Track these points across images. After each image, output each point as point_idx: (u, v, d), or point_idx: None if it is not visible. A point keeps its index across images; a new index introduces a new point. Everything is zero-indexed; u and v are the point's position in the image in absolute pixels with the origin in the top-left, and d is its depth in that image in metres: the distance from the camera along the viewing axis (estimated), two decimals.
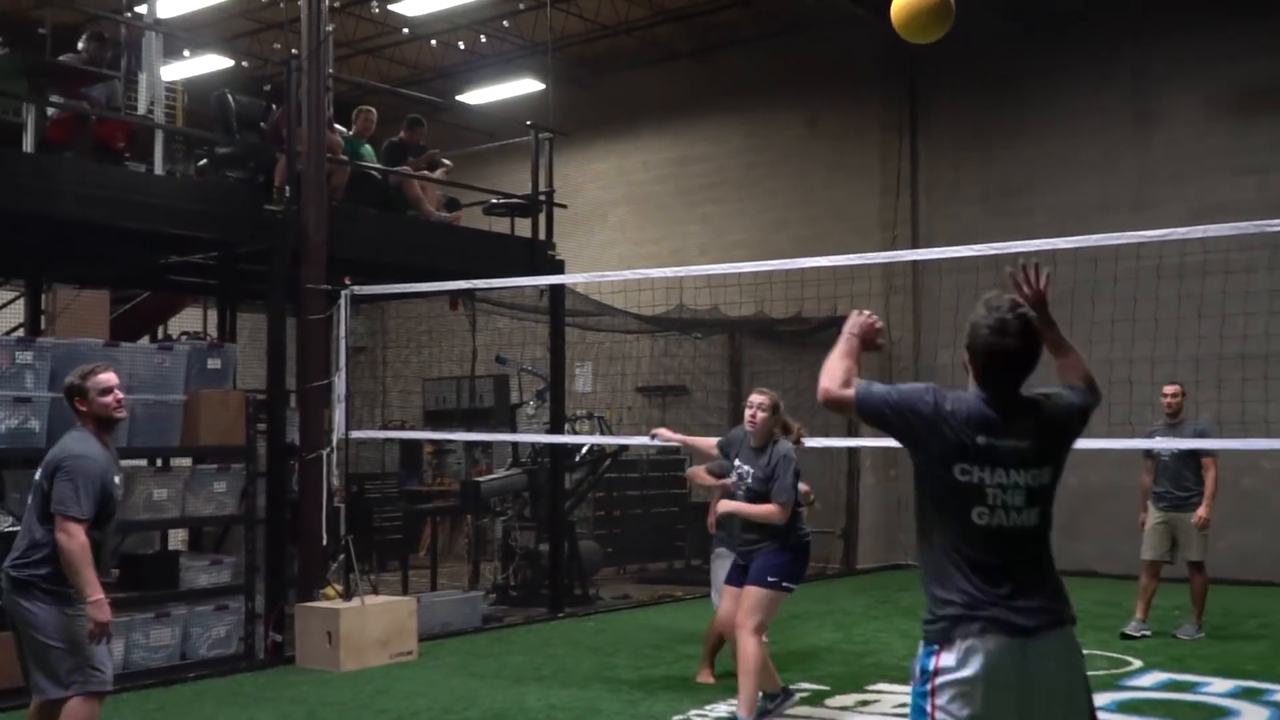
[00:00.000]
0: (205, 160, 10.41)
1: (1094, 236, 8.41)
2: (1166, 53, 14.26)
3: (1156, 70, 14.34)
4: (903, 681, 8.00)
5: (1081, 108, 14.73)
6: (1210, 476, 9.51)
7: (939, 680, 3.15)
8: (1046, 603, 3.23)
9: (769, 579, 6.56)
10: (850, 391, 3.40)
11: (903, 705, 7.29)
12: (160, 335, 11.78)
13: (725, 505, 6.89)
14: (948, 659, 3.16)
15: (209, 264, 10.65)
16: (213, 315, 12.79)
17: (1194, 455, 9.51)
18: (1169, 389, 9.75)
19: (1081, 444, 9.01)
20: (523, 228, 12.14)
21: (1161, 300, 11.17)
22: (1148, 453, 9.86)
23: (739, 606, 6.65)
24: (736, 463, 6.82)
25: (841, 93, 16.42)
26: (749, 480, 6.69)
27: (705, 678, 8.09)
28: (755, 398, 6.79)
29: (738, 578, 6.80)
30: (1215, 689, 7.67)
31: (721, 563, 7.77)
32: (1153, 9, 14.22)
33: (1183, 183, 13.82)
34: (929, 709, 3.15)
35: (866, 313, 3.73)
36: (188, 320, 13.34)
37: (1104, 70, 14.64)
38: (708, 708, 7.41)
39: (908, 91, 15.96)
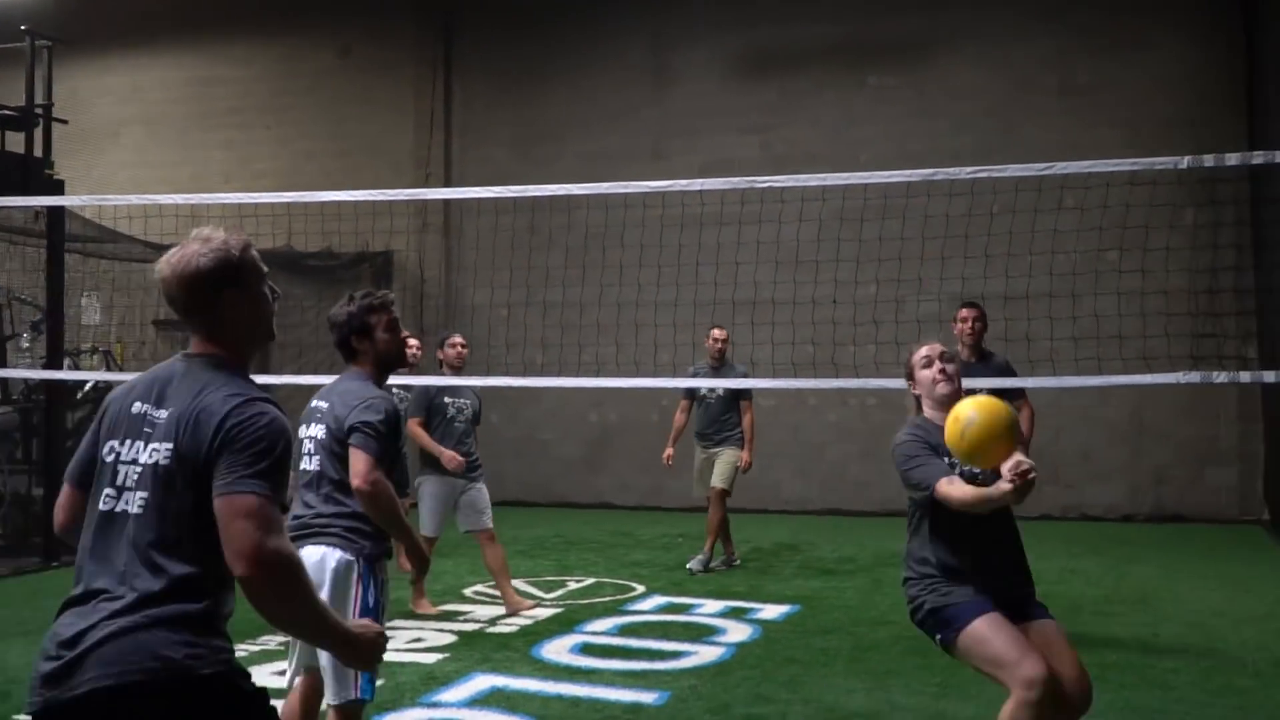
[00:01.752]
0: None
1: (614, 184, 8.76)
2: (682, 14, 15.02)
3: (673, 30, 15.08)
4: (419, 617, 8.05)
5: (607, 60, 15.26)
6: (748, 419, 9.91)
7: None
8: None
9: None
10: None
11: (417, 640, 7.34)
12: None
13: None
14: None
15: None
16: None
17: (735, 397, 9.86)
18: (716, 333, 9.97)
19: (601, 382, 9.40)
20: (16, 143, 11.04)
21: (676, 247, 11.81)
22: (689, 392, 10.14)
23: None
24: None
25: (375, 25, 16.11)
26: None
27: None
28: None
29: None
30: (708, 609, 8.27)
31: (430, 490, 8.05)
32: None
33: (696, 137, 14.65)
34: None
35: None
36: None
37: (627, 25, 15.24)
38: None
39: (443, 29, 15.91)
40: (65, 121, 11.78)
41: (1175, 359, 10.21)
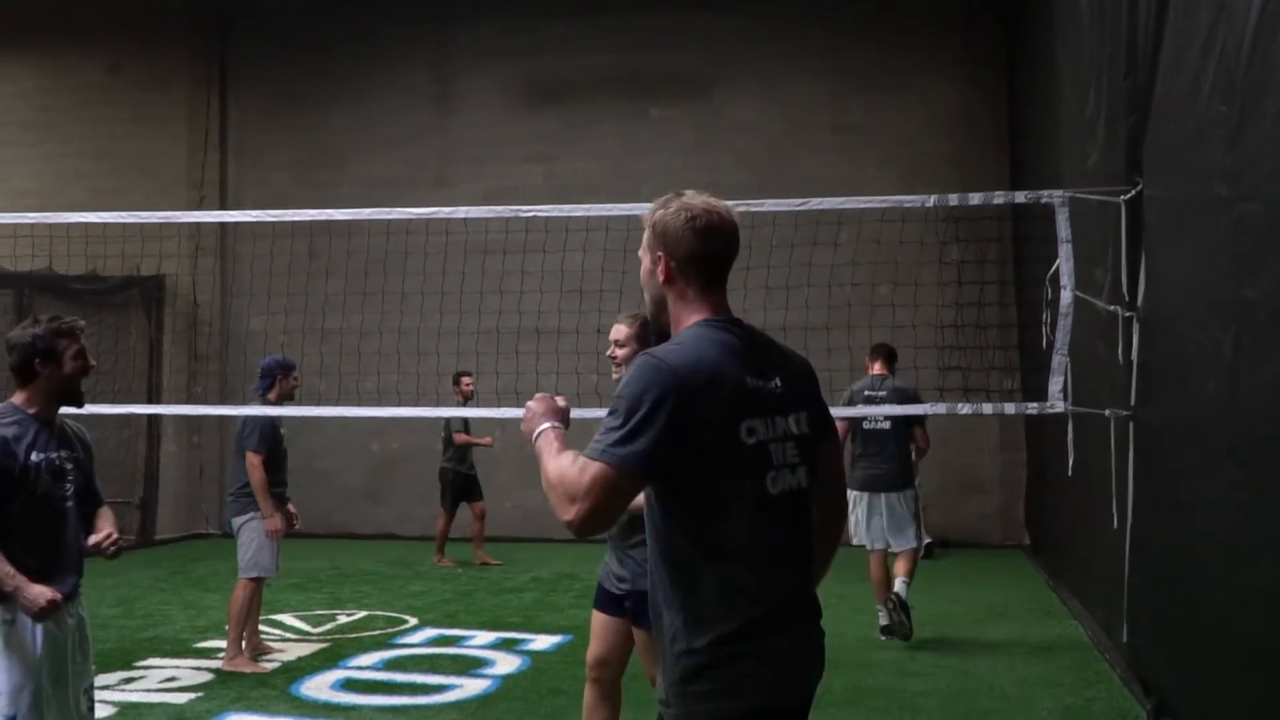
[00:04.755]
0: None
1: (394, 210, 8.65)
2: (468, 41, 14.96)
3: (458, 57, 15.01)
4: (177, 655, 7.74)
5: (388, 85, 15.08)
6: None
7: None
8: None
9: None
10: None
11: (171, 679, 7.03)
12: None
13: None
14: None
15: None
16: None
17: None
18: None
19: (382, 411, 9.13)
20: None
21: (460, 274, 11.70)
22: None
23: None
24: None
25: (147, 40, 15.52)
26: None
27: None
28: None
29: None
30: (479, 641, 8.16)
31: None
32: None
33: (479, 165, 14.58)
34: None
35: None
36: None
37: (409, 51, 15.09)
38: None
39: (218, 49, 15.45)
40: None
41: (945, 391, 10.59)
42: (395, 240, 12.60)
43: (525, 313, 12.57)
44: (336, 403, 12.68)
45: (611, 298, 12.25)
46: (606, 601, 4.88)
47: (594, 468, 2.43)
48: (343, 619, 9.15)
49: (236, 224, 14.54)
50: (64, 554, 4.07)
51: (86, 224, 10.13)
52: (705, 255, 2.63)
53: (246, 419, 7.63)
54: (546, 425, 2.67)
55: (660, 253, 2.64)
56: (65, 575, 4.05)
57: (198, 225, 14.51)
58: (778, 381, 2.61)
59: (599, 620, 4.91)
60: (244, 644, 7.49)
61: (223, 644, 7.69)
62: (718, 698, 2.46)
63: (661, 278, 2.64)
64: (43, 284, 14.37)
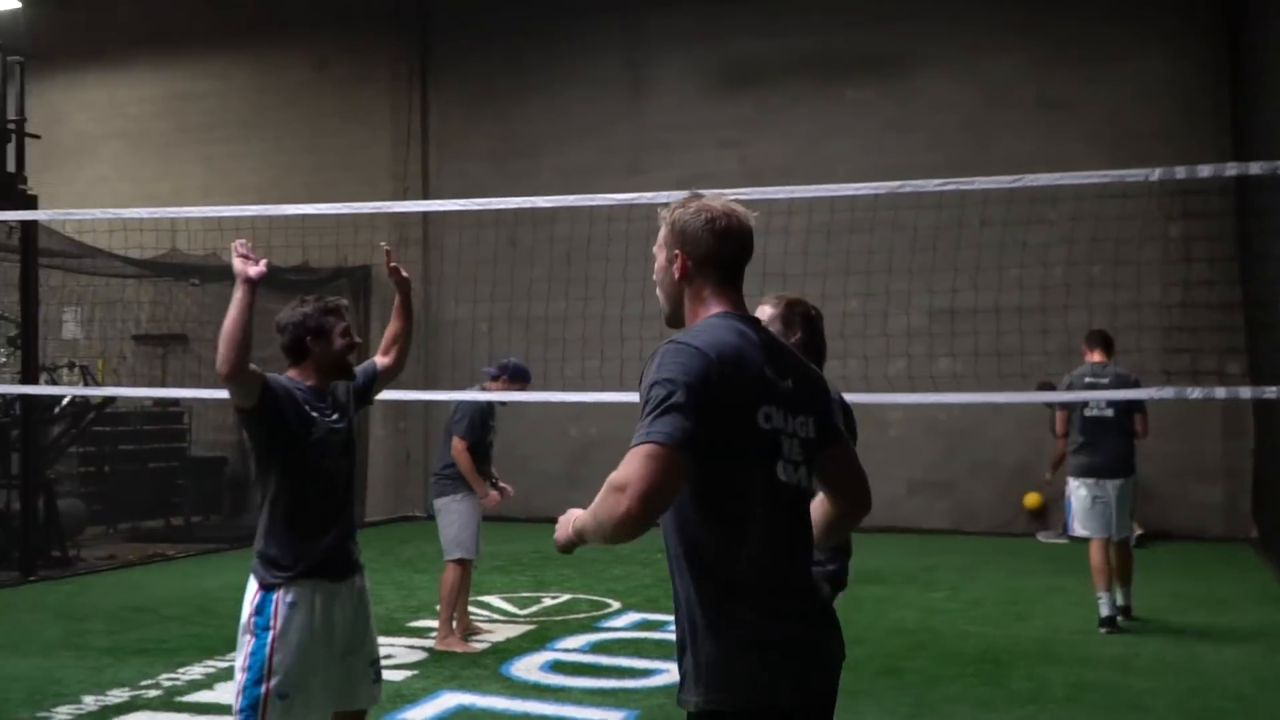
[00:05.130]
0: None
1: (589, 196, 8.69)
2: (659, 27, 14.96)
3: (650, 43, 15.02)
4: (391, 634, 7.95)
5: (582, 74, 15.20)
6: None
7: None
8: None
9: None
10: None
11: (387, 657, 7.22)
12: None
13: None
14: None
15: None
16: None
17: None
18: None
19: (582, 396, 9.16)
20: None
21: (645, 261, 11.68)
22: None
23: None
24: None
25: (352, 38, 16.03)
26: None
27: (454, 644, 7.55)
28: None
29: None
30: None
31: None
32: None
33: (672, 151, 14.57)
34: None
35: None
36: None
37: (602, 39, 15.18)
38: (180, 670, 7.01)
39: (419, 43, 15.83)
40: (38, 137, 11.66)
41: (1172, 375, 10.14)
42: (591, 227, 12.76)
43: None
44: (537, 389, 12.90)
45: (803, 281, 12.14)
46: None
47: (639, 450, 2.41)
48: (548, 601, 9.28)
49: (438, 214, 14.93)
50: (341, 523, 4.17)
51: (299, 217, 10.56)
52: (722, 256, 2.68)
53: (459, 405, 7.82)
54: (574, 514, 2.63)
55: (677, 251, 2.69)
56: (347, 543, 4.16)
57: (401, 217, 14.92)
58: (790, 381, 2.65)
59: None
60: (454, 624, 7.66)
61: (434, 624, 7.88)
62: (724, 665, 2.50)
63: (677, 275, 2.69)
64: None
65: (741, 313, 2.68)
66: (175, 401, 15.20)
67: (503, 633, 8.02)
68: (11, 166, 10.92)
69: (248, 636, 3.99)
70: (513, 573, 10.68)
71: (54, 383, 12.21)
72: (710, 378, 2.48)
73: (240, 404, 4.01)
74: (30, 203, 10.91)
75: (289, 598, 3.99)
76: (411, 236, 15.57)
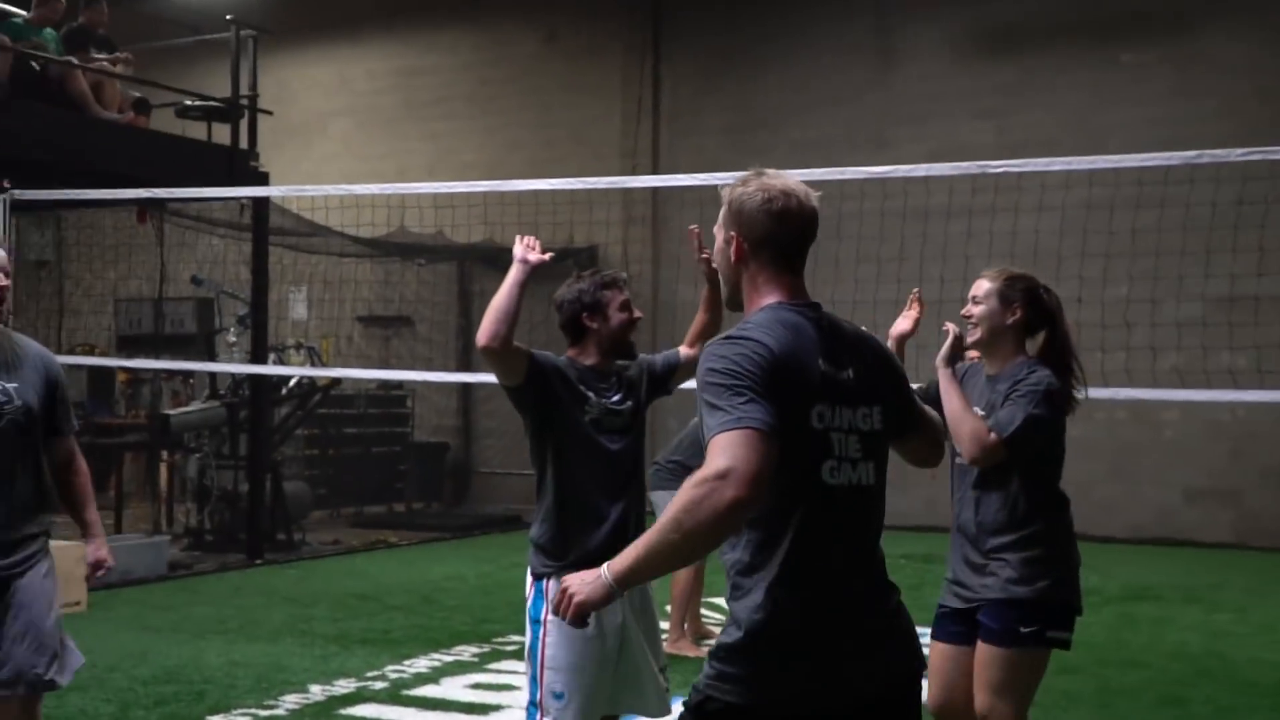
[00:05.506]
0: None
1: (833, 169, 8.46)
2: None
3: (901, 6, 14.64)
4: None
5: (827, 41, 14.92)
6: None
7: None
8: None
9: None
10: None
11: None
12: None
13: None
14: None
15: None
16: None
17: None
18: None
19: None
20: (222, 135, 11.43)
21: (899, 241, 11.40)
22: None
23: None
24: None
25: (582, 8, 16.16)
26: None
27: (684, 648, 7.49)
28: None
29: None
30: None
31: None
32: None
33: (922, 123, 14.17)
34: None
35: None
36: None
37: (847, 3, 14.85)
38: (406, 663, 7.15)
39: (651, 13, 15.85)
40: (270, 113, 12.13)
41: None
42: (832, 205, 12.47)
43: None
44: None
45: (1072, 263, 11.61)
46: (947, 623, 4.08)
47: (731, 435, 2.35)
48: None
49: (668, 192, 14.90)
50: (621, 512, 4.02)
51: (523, 194, 10.67)
52: (779, 239, 2.65)
53: None
54: (601, 574, 2.46)
55: (734, 232, 2.67)
56: (629, 534, 4.00)
57: (630, 194, 14.97)
58: (850, 372, 2.61)
59: (937, 653, 4.06)
60: (685, 626, 7.58)
61: (665, 625, 7.82)
62: (753, 677, 2.48)
63: (734, 258, 2.67)
64: (481, 255, 15.33)
65: (799, 300, 2.65)
66: (399, 385, 15.67)
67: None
68: (244, 143, 11.38)
69: (528, 628, 3.96)
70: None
71: (281, 363, 12.72)
72: (764, 370, 2.46)
73: (506, 382, 3.96)
74: (261, 180, 11.37)
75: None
76: (640, 215, 15.61)
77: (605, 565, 2.45)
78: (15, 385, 4.09)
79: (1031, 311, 4.04)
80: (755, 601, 2.50)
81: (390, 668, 7.05)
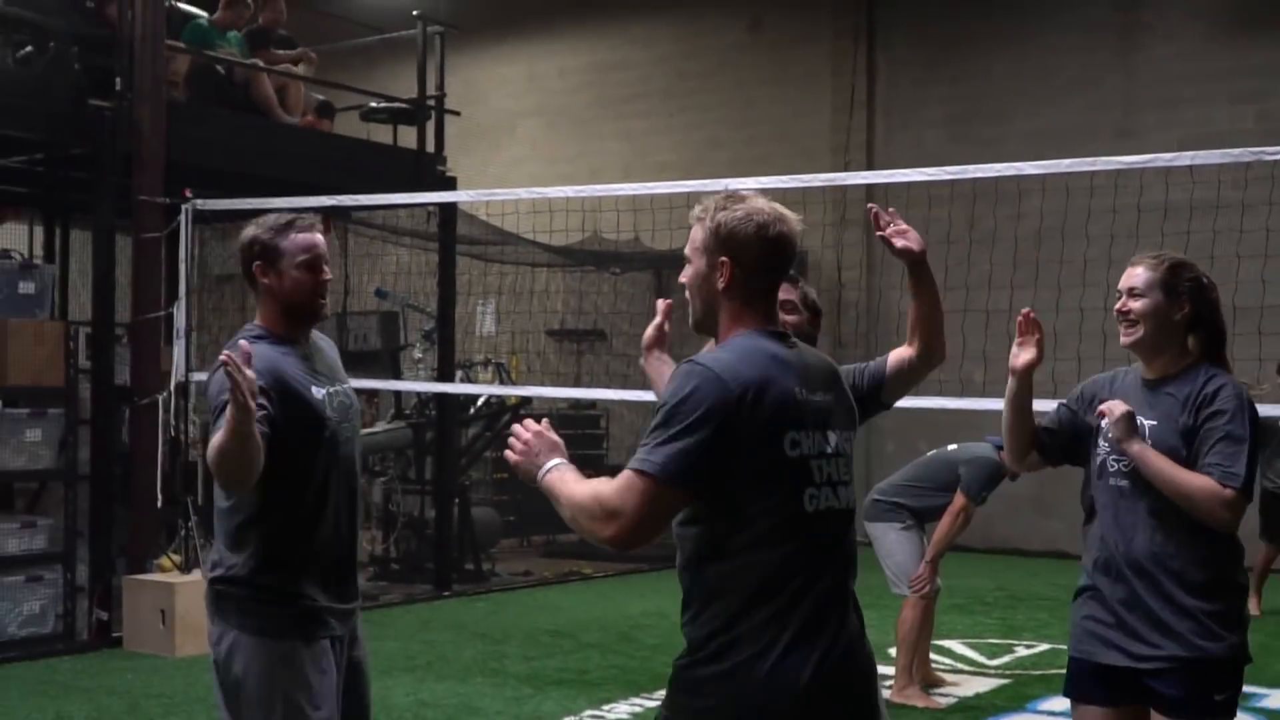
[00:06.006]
0: (30, 48, 9.73)
1: (1065, 161, 8.13)
2: None
3: None
4: None
5: (1061, 20, 14.49)
6: None
7: None
8: None
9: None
10: None
11: None
12: None
13: None
14: None
15: (34, 170, 10.07)
16: (40, 232, 12.15)
17: None
18: None
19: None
20: (408, 138, 11.60)
21: (1155, 241, 10.87)
22: None
23: None
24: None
25: None
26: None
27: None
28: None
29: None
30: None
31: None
32: None
33: (1171, 109, 13.65)
34: None
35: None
36: (10, 237, 12.66)
37: None
38: (605, 707, 7.06)
39: None
40: (458, 114, 12.27)
41: None
42: (1073, 201, 12.05)
43: (1242, 283, 11.50)
44: (1001, 393, 12.32)
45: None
46: (1097, 682, 3.63)
47: (630, 477, 2.62)
48: (1021, 651, 8.77)
49: (885, 189, 14.59)
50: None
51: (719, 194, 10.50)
52: (774, 265, 2.81)
53: (971, 452, 8.13)
54: (557, 461, 2.80)
55: (724, 258, 2.77)
56: None
57: (842, 193, 14.71)
58: (828, 396, 2.80)
59: (1085, 717, 3.69)
60: (914, 672, 7.32)
61: (890, 670, 7.57)
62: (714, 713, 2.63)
63: (722, 284, 2.78)
64: (675, 262, 15.24)
65: (772, 328, 2.80)
66: (592, 404, 15.68)
67: (970, 686, 7.63)
68: (430, 146, 11.52)
69: None
70: (975, 613, 10.21)
71: (469, 381, 12.81)
72: (724, 404, 2.60)
73: None
74: (449, 185, 11.49)
75: None
76: (853, 217, 15.32)
77: (558, 464, 2.77)
78: (348, 385, 3.83)
79: (1198, 305, 3.70)
80: (734, 635, 2.66)
81: (589, 712, 6.99)
